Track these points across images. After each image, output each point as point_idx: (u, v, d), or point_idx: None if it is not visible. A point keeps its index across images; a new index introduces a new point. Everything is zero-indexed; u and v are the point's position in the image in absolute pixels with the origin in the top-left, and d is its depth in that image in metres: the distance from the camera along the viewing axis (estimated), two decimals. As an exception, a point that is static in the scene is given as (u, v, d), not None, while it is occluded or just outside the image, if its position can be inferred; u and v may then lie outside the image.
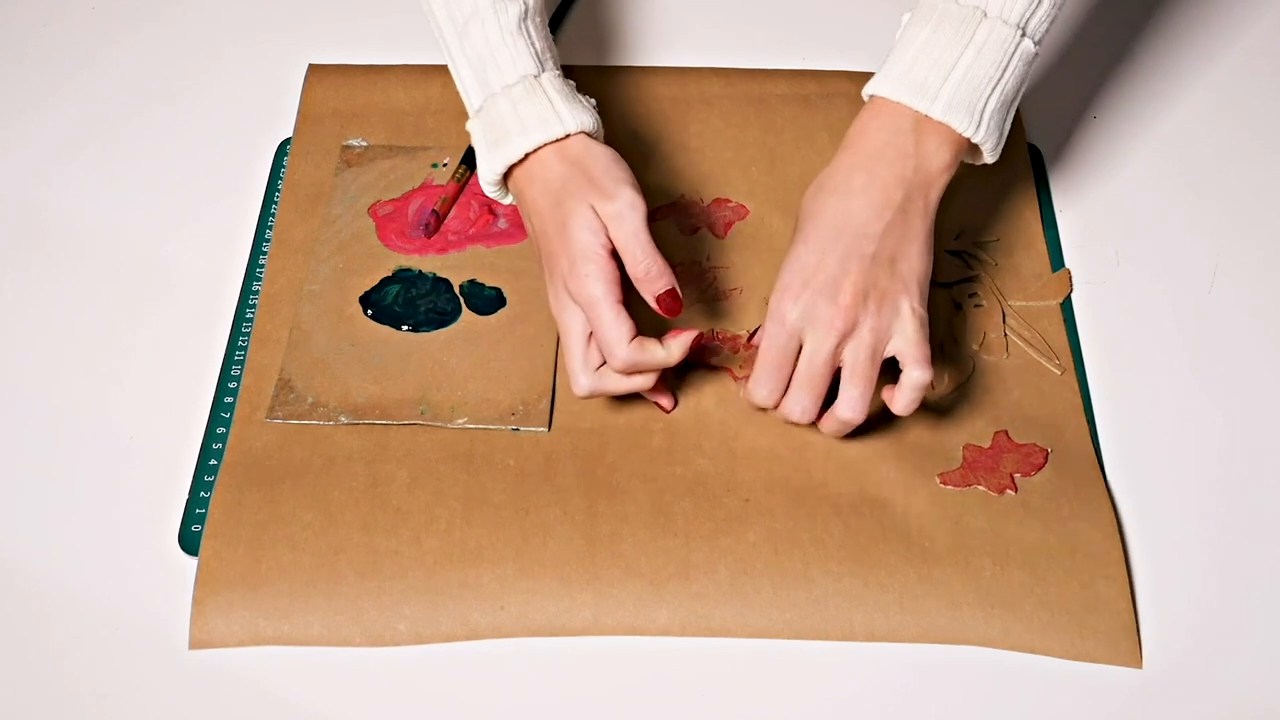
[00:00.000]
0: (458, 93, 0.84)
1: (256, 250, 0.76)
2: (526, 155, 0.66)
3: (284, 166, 0.80)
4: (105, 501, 0.66)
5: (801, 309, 0.62)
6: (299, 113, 0.83)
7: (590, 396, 0.65)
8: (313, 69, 0.85)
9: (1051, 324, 0.73)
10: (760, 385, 0.63)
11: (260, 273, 0.75)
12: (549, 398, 0.69)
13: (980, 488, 0.65)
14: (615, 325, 0.62)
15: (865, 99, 0.66)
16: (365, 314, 0.73)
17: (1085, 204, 0.80)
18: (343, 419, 0.68)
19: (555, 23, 0.89)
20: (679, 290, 0.64)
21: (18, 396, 0.70)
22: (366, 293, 0.74)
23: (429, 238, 0.76)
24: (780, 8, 0.91)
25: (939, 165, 0.64)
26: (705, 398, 0.69)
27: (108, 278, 0.75)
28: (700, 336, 0.65)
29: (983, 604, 0.62)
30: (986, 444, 0.67)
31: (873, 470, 0.66)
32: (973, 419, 0.68)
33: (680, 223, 0.77)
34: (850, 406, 0.62)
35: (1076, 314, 0.74)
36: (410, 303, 0.73)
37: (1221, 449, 0.68)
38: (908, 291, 0.63)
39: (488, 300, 0.73)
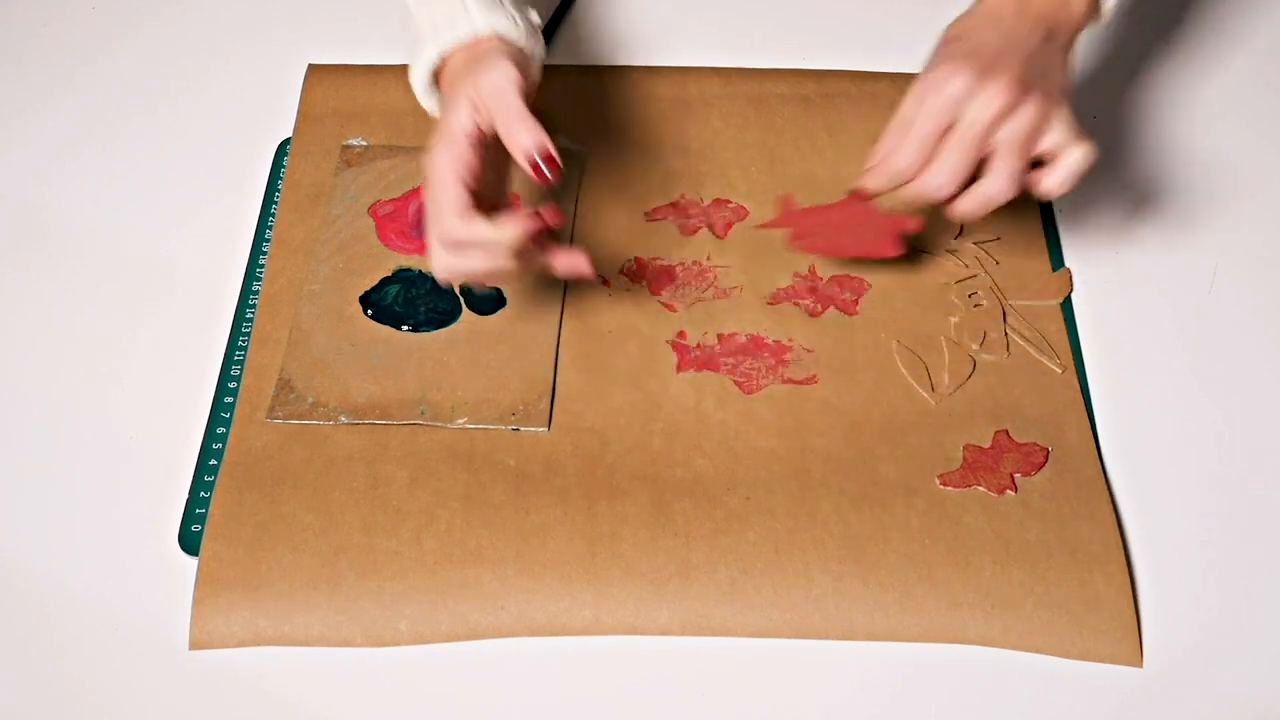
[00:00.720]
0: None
1: (256, 250, 0.76)
2: (444, 60, 0.65)
3: (284, 166, 0.80)
4: (105, 501, 0.66)
5: (966, 79, 0.60)
6: (299, 113, 0.83)
7: (450, 277, 0.64)
8: (313, 69, 0.85)
9: (1052, 323, 0.73)
10: (905, 153, 0.61)
11: (260, 273, 0.75)
12: (549, 398, 0.69)
13: (980, 489, 0.65)
14: (449, 198, 0.61)
15: None
16: (365, 314, 0.73)
17: (1085, 204, 0.80)
18: (343, 419, 0.68)
19: (555, 23, 0.89)
20: (555, 154, 0.61)
21: (18, 396, 0.70)
22: (366, 293, 0.74)
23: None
24: (780, 8, 0.91)
25: (1080, 9, 0.65)
26: (705, 398, 0.69)
27: (108, 278, 0.75)
28: (539, 220, 0.62)
29: (983, 603, 0.62)
30: (987, 444, 0.67)
31: (872, 471, 0.66)
32: (973, 418, 0.68)
33: (680, 223, 0.78)
34: (1000, 181, 0.61)
35: (1076, 314, 0.74)
36: (410, 303, 0.73)
37: (1221, 448, 0.68)
38: (1063, 98, 0.62)
39: (488, 300, 0.73)
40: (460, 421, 0.68)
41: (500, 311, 0.73)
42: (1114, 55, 0.89)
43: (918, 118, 0.61)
